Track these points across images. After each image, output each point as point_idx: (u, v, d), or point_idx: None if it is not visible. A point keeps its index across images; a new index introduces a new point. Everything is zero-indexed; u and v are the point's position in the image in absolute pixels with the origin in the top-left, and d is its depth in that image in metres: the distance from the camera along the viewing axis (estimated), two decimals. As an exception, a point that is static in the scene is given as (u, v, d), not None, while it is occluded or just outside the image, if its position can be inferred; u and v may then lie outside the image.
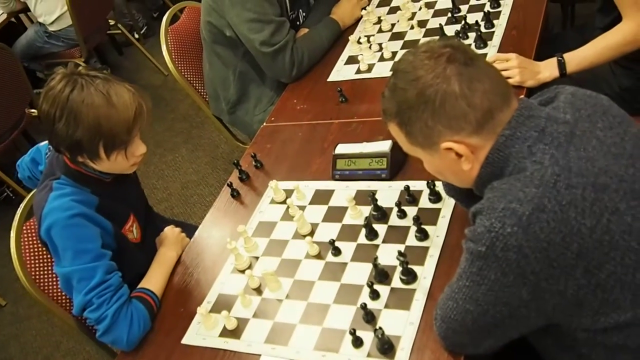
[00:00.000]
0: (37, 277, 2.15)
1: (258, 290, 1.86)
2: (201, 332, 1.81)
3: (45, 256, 2.18)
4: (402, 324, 1.61)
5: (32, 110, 4.30)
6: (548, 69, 2.16)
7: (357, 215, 1.94)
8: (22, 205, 2.20)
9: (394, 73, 1.43)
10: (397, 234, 1.85)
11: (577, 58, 2.15)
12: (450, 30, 2.49)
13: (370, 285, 1.68)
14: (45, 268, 2.18)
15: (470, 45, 2.35)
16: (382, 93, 1.47)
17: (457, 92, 1.33)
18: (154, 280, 1.98)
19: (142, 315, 1.86)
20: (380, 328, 1.54)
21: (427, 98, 1.34)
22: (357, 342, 1.60)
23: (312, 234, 1.95)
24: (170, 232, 2.15)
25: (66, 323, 2.19)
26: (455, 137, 1.37)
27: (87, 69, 1.82)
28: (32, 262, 2.16)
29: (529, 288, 1.27)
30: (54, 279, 2.17)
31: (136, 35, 5.57)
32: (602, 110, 1.41)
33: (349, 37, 2.74)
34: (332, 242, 1.84)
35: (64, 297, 2.18)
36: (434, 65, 1.35)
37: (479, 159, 1.39)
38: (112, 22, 5.17)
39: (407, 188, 1.91)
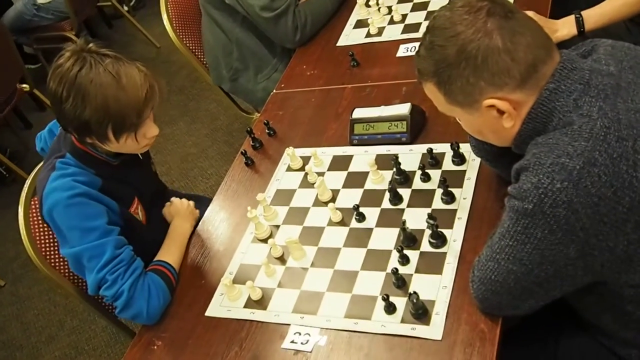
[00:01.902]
0: (46, 254, 2.10)
1: (281, 259, 1.81)
2: (225, 303, 1.77)
3: (52, 233, 2.12)
4: (435, 288, 1.58)
5: (24, 86, 4.21)
6: (566, 27, 2.11)
7: (379, 180, 1.90)
8: (28, 181, 2.13)
9: (429, 30, 1.38)
10: (422, 198, 1.81)
11: (595, 15, 2.10)
12: (462, -11, 2.43)
13: (399, 250, 1.64)
14: (53, 244, 2.12)
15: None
16: (416, 52, 1.42)
17: (500, 46, 1.28)
18: (169, 253, 1.93)
19: (160, 287, 1.81)
20: (415, 293, 1.50)
21: (469, 54, 1.30)
22: (390, 308, 1.56)
23: (333, 200, 1.91)
24: (180, 204, 2.09)
25: (77, 298, 2.12)
26: (499, 93, 1.32)
27: (98, 47, 1.74)
28: (40, 239, 2.10)
29: (578, 245, 1.24)
30: (62, 256, 2.11)
31: (125, 8, 5.45)
32: None
33: (357, 0, 2.68)
34: (356, 207, 1.79)
35: (74, 274, 2.13)
36: (474, 19, 1.30)
37: (521, 116, 1.35)
38: (101, -6, 5.07)
39: (430, 151, 1.87)
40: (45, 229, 2.11)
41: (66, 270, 2.10)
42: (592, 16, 2.11)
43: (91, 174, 1.82)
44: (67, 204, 1.75)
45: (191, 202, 2.12)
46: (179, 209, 2.08)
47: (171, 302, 1.84)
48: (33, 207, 2.11)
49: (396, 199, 1.82)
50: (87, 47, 1.71)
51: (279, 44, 2.75)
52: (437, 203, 1.77)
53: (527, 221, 1.27)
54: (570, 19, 2.12)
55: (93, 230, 1.76)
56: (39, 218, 2.10)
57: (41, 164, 2.03)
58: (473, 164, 1.83)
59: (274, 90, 2.48)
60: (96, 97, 1.67)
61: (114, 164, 1.88)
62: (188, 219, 2.06)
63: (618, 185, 1.20)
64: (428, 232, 1.68)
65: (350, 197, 1.90)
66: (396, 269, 1.59)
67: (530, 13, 2.07)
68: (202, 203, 2.17)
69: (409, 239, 1.69)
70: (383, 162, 1.94)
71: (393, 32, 2.49)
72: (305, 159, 2.08)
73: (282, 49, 2.78)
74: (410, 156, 1.94)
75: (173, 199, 2.12)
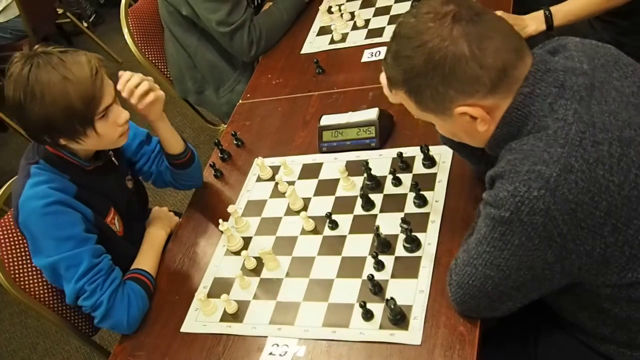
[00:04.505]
0: (15, 276, 2.04)
1: (256, 271, 1.79)
2: (200, 318, 1.74)
3: (20, 253, 2.07)
4: (412, 293, 1.57)
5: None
6: (534, 22, 2.12)
7: (350, 186, 1.89)
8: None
9: (395, 39, 1.35)
10: (394, 202, 1.80)
11: (563, 11, 2.12)
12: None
13: (374, 255, 1.63)
14: (21, 265, 2.07)
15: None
16: (383, 59, 1.40)
17: (466, 54, 1.25)
18: (146, 261, 1.92)
19: (139, 295, 1.80)
20: (392, 298, 1.50)
21: (436, 64, 1.27)
22: (368, 315, 1.55)
23: (305, 209, 1.90)
24: (158, 211, 2.11)
25: (49, 319, 2.07)
26: (469, 100, 1.30)
27: (44, 46, 1.71)
28: (8, 260, 2.05)
29: (555, 250, 1.24)
30: (32, 277, 2.06)
31: (85, 24, 5.39)
32: (614, 59, 1.37)
33: (319, 7, 2.68)
34: (328, 215, 1.78)
35: (45, 295, 2.08)
36: (439, 27, 1.27)
37: (495, 119, 1.33)
38: (60, 11, 4.98)
39: (399, 155, 1.86)
40: (13, 250, 2.06)
41: (36, 292, 2.05)
42: (560, 12, 2.12)
43: (65, 180, 1.79)
44: (43, 212, 1.72)
45: (168, 210, 2.13)
46: (154, 215, 2.09)
47: (145, 319, 1.81)
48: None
49: (368, 204, 1.81)
50: (34, 50, 1.69)
51: (236, 57, 2.74)
52: (410, 207, 1.77)
53: (504, 228, 1.26)
54: (539, 14, 2.13)
55: (69, 239, 1.74)
56: (5, 239, 2.05)
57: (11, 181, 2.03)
58: (444, 166, 1.83)
59: (240, 101, 2.47)
60: (52, 93, 1.63)
61: (88, 169, 1.85)
62: (163, 226, 2.06)
63: (595, 190, 1.20)
64: (402, 236, 1.67)
65: (322, 205, 1.88)
66: (372, 275, 1.58)
67: (499, 12, 2.09)
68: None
69: (383, 245, 1.68)
70: (353, 168, 1.93)
71: (357, 38, 2.49)
72: (275, 169, 2.06)
73: (243, 61, 2.77)
74: (380, 161, 1.94)
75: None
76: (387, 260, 1.66)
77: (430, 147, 1.84)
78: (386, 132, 2.01)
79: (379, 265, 1.64)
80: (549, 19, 2.09)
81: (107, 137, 1.77)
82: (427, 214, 1.73)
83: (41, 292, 2.04)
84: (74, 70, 1.66)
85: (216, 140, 2.19)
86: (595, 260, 1.26)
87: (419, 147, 1.86)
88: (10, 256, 2.03)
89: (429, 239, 1.67)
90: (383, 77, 1.45)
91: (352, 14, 2.58)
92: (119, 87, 1.83)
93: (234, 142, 2.23)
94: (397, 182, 1.84)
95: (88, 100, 1.68)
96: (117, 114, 1.76)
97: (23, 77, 1.64)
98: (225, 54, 2.76)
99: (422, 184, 1.76)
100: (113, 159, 1.96)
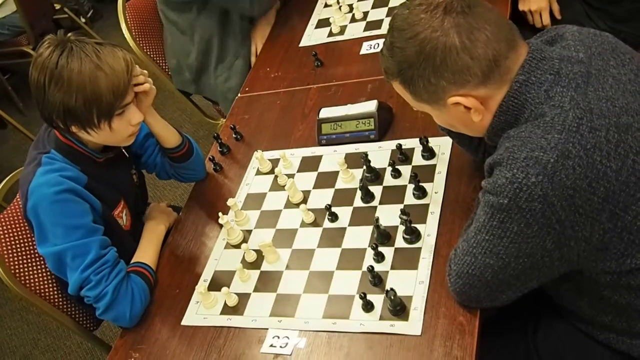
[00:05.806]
0: (16, 272, 2.05)
1: (256, 264, 1.80)
2: (201, 311, 1.75)
3: (20, 249, 2.07)
4: (412, 284, 1.57)
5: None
6: None
7: (350, 178, 1.89)
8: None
9: (389, 31, 1.37)
10: (393, 194, 1.81)
11: None
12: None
13: (374, 247, 1.63)
14: (22, 261, 2.07)
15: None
16: (380, 51, 1.41)
17: (457, 45, 1.27)
18: (146, 254, 1.93)
19: (142, 289, 1.81)
20: (392, 289, 1.50)
21: (427, 55, 1.29)
22: (368, 306, 1.56)
23: (304, 201, 1.90)
24: (156, 206, 2.12)
25: (50, 315, 2.07)
26: (461, 90, 1.32)
27: (77, 35, 1.73)
28: (8, 256, 2.05)
29: (554, 237, 1.24)
30: (33, 273, 2.06)
31: (83, 19, 5.38)
32: (611, 47, 1.38)
33: (318, 0, 2.67)
34: (328, 207, 1.79)
35: (46, 291, 2.08)
36: (430, 18, 1.29)
37: (490, 109, 1.34)
38: (57, 7, 4.98)
39: (399, 147, 1.87)
40: (14, 245, 2.06)
41: (37, 288, 2.06)
42: None
43: (77, 170, 1.80)
44: (54, 200, 1.72)
45: (167, 205, 2.14)
46: (152, 210, 2.10)
47: (146, 313, 1.82)
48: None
49: (368, 196, 1.81)
50: (67, 37, 1.71)
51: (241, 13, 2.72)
52: (409, 198, 1.77)
53: (503, 216, 1.26)
54: None
55: (78, 228, 1.74)
56: (6, 235, 2.05)
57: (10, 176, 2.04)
58: (443, 157, 1.84)
59: (239, 94, 2.47)
60: (81, 81, 1.65)
61: (99, 161, 1.86)
62: (162, 221, 2.06)
63: (592, 176, 1.21)
64: (402, 228, 1.68)
65: (322, 198, 1.89)
66: (372, 266, 1.59)
67: None
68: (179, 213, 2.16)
69: (383, 236, 1.69)
70: (353, 160, 1.93)
71: (355, 30, 2.49)
72: (274, 162, 2.07)
73: (242, 35, 2.75)
74: (379, 153, 1.94)
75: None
76: (387, 251, 1.66)
77: (430, 139, 1.84)
78: (385, 124, 2.01)
79: (379, 257, 1.65)
80: None
81: (117, 134, 1.78)
82: (427, 205, 1.73)
83: (42, 287, 2.05)
84: (109, 62, 1.69)
85: (215, 134, 2.20)
86: (594, 247, 1.26)
87: (418, 139, 1.86)
88: (10, 252, 2.04)
89: (429, 230, 1.67)
90: None
91: (351, 7, 2.58)
92: None
93: (233, 135, 2.23)
94: (397, 173, 1.84)
95: (117, 94, 1.70)
96: (132, 113, 1.78)
97: (52, 60, 1.66)
98: (225, 26, 2.74)
99: (421, 176, 1.76)
100: (123, 150, 1.98)
